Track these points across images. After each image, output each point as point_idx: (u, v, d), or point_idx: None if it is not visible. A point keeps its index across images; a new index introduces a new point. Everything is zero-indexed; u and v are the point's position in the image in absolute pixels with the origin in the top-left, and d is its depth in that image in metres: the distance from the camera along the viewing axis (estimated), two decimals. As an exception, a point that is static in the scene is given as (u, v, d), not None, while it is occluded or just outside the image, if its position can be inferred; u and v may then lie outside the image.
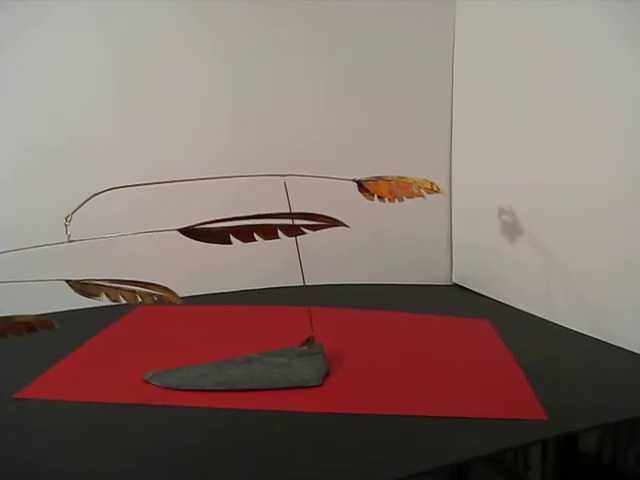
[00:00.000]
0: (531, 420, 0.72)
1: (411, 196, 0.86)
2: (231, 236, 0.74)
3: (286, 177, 0.78)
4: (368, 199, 0.86)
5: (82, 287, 0.69)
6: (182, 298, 1.17)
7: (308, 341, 0.85)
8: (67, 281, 0.69)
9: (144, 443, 0.68)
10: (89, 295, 0.68)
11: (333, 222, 0.76)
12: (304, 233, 0.75)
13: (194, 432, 0.70)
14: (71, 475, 0.61)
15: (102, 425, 0.71)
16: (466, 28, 1.27)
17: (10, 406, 0.74)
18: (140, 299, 0.69)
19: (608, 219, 0.96)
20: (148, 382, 0.80)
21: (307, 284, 0.82)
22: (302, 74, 1.25)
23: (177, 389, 0.79)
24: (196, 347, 0.94)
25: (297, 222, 0.75)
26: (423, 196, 0.87)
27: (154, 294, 0.69)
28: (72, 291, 0.69)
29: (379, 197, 0.85)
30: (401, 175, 0.87)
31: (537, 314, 1.12)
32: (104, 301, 0.69)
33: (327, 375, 0.83)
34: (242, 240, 0.74)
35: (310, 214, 0.75)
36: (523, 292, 1.17)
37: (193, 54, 1.19)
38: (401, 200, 0.86)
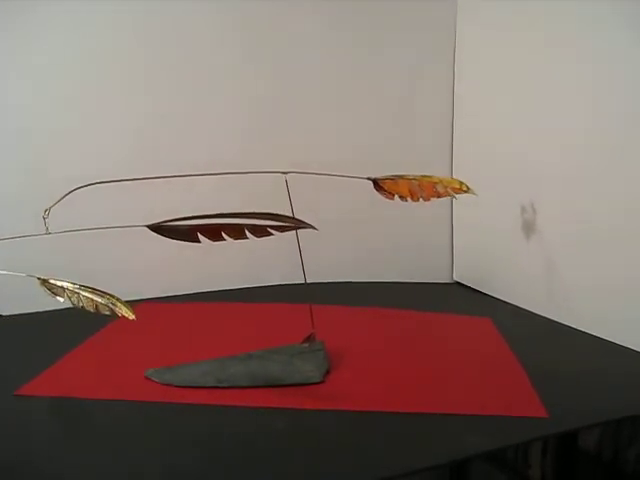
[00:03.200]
0: (532, 417, 0.72)
1: (435, 196, 0.83)
2: (199, 234, 0.72)
3: (287, 174, 0.78)
4: (387, 198, 0.83)
5: (49, 286, 0.70)
6: (183, 295, 1.19)
7: (309, 338, 0.85)
8: (38, 278, 0.71)
9: (144, 440, 0.68)
10: (54, 295, 0.70)
11: (299, 224, 0.74)
12: (271, 234, 0.73)
13: (195, 429, 0.70)
14: (70, 470, 0.61)
15: (103, 422, 0.72)
16: (467, 28, 1.27)
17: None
18: (96, 308, 0.70)
19: (611, 216, 0.96)
20: (149, 379, 0.81)
21: (308, 281, 0.82)
22: (301, 71, 1.26)
23: (178, 386, 0.79)
24: (197, 344, 0.94)
25: (263, 223, 0.73)
26: (452, 196, 0.85)
27: (108, 305, 0.70)
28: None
29: (400, 197, 0.83)
30: (425, 174, 0.84)
31: (539, 312, 1.12)
32: (67, 303, 0.70)
33: (328, 372, 0.83)
34: (211, 239, 0.72)
35: (277, 215, 0.73)
36: (524, 290, 1.16)
37: (192, 49, 1.18)
38: (426, 200, 0.83)
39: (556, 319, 1.08)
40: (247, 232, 0.72)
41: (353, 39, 1.27)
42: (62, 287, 0.70)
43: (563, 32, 1.03)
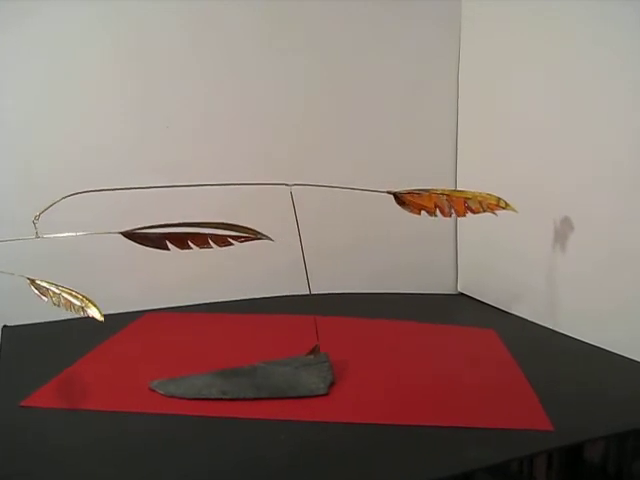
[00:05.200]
0: (537, 430, 0.72)
1: (468, 212, 0.80)
2: (167, 242, 0.75)
3: (292, 187, 0.78)
4: (412, 213, 0.81)
5: (37, 286, 0.74)
6: (187, 306, 1.19)
7: (314, 350, 0.85)
8: (27, 278, 0.74)
9: (148, 452, 0.68)
10: (41, 295, 0.73)
11: (256, 235, 0.75)
12: (231, 244, 0.75)
13: (199, 441, 0.70)
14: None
15: (107, 433, 0.72)
16: (473, 22, 1.27)
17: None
18: (71, 309, 0.72)
19: (613, 230, 0.96)
20: (154, 390, 0.81)
21: (312, 293, 0.82)
22: (302, 78, 1.26)
23: (182, 398, 0.79)
24: (201, 355, 0.94)
25: (225, 233, 0.75)
26: (492, 212, 0.81)
27: (82, 306, 0.72)
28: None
29: (428, 212, 0.80)
30: (456, 189, 0.82)
31: (544, 324, 1.12)
32: (50, 303, 0.73)
33: (333, 384, 0.83)
34: (178, 247, 0.75)
35: (235, 225, 0.75)
36: (529, 301, 1.16)
37: (193, 60, 1.19)
38: (459, 216, 0.80)
39: (561, 331, 1.07)
40: (210, 241, 0.75)
41: (353, 50, 1.27)
42: (47, 288, 0.73)
43: (575, 36, 1.02)
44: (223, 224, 0.74)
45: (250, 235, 0.75)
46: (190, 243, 0.75)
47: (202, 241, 0.75)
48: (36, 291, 0.73)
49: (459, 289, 1.38)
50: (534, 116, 1.11)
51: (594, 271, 1.00)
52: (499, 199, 0.81)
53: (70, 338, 1.01)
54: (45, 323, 1.06)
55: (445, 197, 0.80)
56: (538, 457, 0.79)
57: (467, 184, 1.13)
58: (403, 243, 1.31)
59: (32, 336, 1.04)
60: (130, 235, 0.75)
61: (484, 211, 0.80)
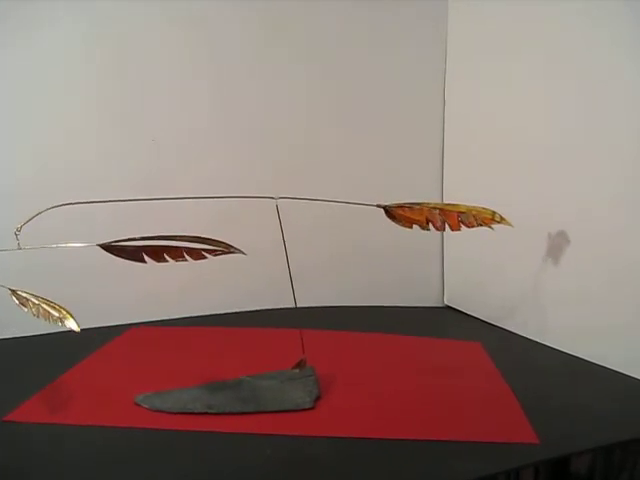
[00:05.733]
0: (523, 443, 0.72)
1: (459, 227, 0.78)
2: (144, 255, 0.76)
3: (278, 200, 0.78)
4: (404, 227, 0.79)
5: (17, 297, 0.75)
6: (173, 320, 1.19)
7: (300, 364, 0.85)
8: (9, 288, 0.75)
9: (133, 466, 0.67)
10: (21, 305, 0.74)
11: (228, 248, 0.76)
12: (205, 257, 0.76)
13: (184, 456, 0.69)
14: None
15: (92, 448, 0.71)
16: (458, 39, 1.28)
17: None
18: (51, 320, 0.73)
19: (602, 239, 0.97)
20: (139, 405, 0.80)
21: (298, 306, 0.82)
22: (290, 91, 1.26)
23: (168, 412, 0.78)
24: (187, 369, 0.93)
25: (199, 246, 0.76)
26: (488, 227, 0.79)
27: (60, 318, 0.72)
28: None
29: (421, 226, 0.79)
30: (451, 202, 0.79)
31: (530, 337, 1.12)
32: (29, 312, 0.73)
33: (319, 398, 0.83)
34: (154, 259, 0.76)
35: (208, 239, 0.76)
36: (516, 314, 1.17)
37: (181, 71, 1.19)
38: (454, 230, 0.79)
39: (547, 344, 1.08)
40: (185, 255, 0.76)
41: (337, 65, 1.28)
42: (27, 299, 0.74)
43: (562, 49, 1.03)
44: (198, 238, 0.75)
45: (223, 249, 0.76)
46: (166, 256, 0.76)
47: (177, 254, 0.76)
48: (16, 301, 0.74)
49: (446, 302, 1.39)
50: (521, 129, 1.12)
51: (579, 285, 1.01)
52: (494, 213, 0.80)
53: (55, 352, 1.00)
54: (29, 337, 1.05)
55: (438, 211, 0.79)
56: (524, 470, 0.79)
57: (454, 197, 1.14)
58: (389, 256, 1.32)
59: (16, 350, 1.03)
60: (107, 248, 0.76)
61: (479, 225, 0.79)
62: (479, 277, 1.27)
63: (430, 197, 1.15)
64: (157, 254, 0.76)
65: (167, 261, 0.76)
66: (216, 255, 0.76)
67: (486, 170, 1.21)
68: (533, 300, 1.11)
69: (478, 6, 1.22)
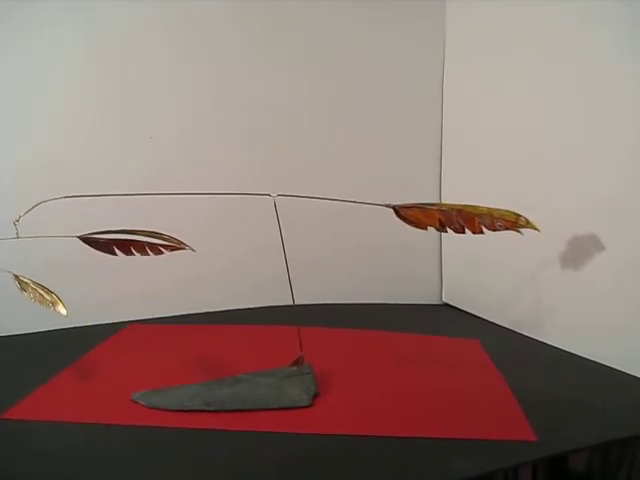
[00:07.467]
0: (521, 441, 0.72)
1: (480, 230, 0.73)
2: (115, 248, 0.81)
3: (276, 197, 0.78)
4: (418, 228, 0.75)
5: (19, 281, 0.82)
6: (170, 317, 1.19)
7: (297, 361, 0.85)
8: (13, 273, 0.82)
9: (131, 464, 0.67)
10: (23, 290, 0.81)
11: (179, 244, 0.80)
12: (162, 252, 0.80)
13: (182, 453, 0.69)
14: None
15: (90, 445, 0.71)
16: (456, 40, 1.28)
17: None
18: (44, 304, 0.79)
19: (601, 238, 0.97)
20: (136, 402, 0.80)
21: (296, 303, 0.81)
22: (289, 90, 1.26)
23: (165, 409, 0.78)
24: (185, 367, 0.93)
25: (155, 241, 0.80)
26: (517, 230, 0.74)
27: (52, 302, 0.79)
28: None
29: (437, 228, 0.73)
30: (469, 204, 0.73)
31: (528, 334, 1.12)
32: (29, 297, 0.80)
33: (316, 396, 0.83)
34: (123, 253, 0.81)
35: (161, 234, 0.79)
36: (514, 312, 1.17)
37: (181, 71, 1.19)
38: (474, 233, 0.74)
39: (545, 341, 1.08)
40: (147, 249, 0.81)
41: (336, 64, 1.28)
42: (27, 284, 0.81)
43: (561, 49, 1.03)
44: (155, 233, 0.79)
45: (175, 244, 0.80)
46: (132, 250, 0.80)
47: (140, 248, 0.80)
48: (18, 285, 0.80)
49: (444, 299, 1.39)
50: (520, 129, 1.12)
51: (578, 283, 1.01)
52: (518, 216, 0.74)
53: (53, 349, 1.00)
54: (28, 334, 1.05)
55: (455, 212, 0.73)
56: (522, 468, 0.79)
57: (452, 197, 1.14)
58: (387, 254, 1.31)
59: (15, 347, 1.03)
60: (85, 239, 0.81)
61: (499, 229, 0.73)
62: (477, 275, 1.27)
63: (428, 196, 1.16)
64: (125, 248, 0.81)
65: (134, 254, 0.80)
66: (172, 250, 0.80)
67: (484, 170, 1.21)
68: (531, 298, 1.11)
69: (476, 6, 1.22)
